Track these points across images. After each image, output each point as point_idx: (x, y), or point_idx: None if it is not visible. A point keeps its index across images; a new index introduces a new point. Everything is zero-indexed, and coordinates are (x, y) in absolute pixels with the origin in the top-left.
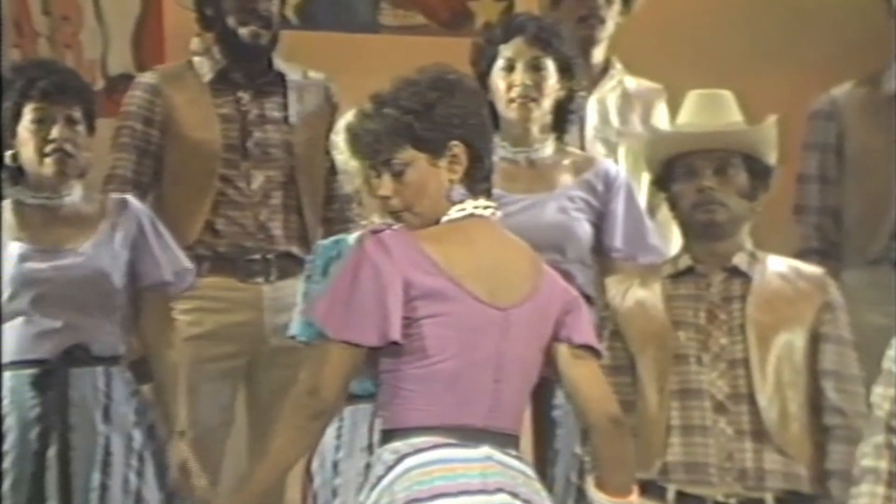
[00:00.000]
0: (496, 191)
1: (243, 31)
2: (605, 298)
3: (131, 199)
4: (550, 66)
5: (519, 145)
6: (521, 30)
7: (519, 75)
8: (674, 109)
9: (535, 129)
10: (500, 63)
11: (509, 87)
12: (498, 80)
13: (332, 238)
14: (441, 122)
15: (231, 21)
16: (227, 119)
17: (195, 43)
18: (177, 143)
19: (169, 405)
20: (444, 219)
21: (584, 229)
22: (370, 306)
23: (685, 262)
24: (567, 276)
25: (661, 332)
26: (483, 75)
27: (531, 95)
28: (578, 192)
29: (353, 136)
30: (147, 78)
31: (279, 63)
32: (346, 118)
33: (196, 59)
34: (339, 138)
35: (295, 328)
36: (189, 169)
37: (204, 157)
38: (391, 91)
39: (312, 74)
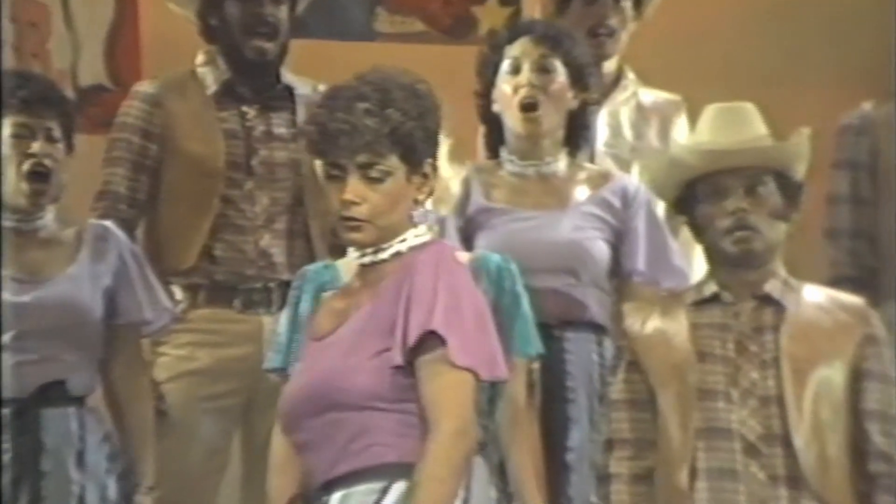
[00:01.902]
0: (502, 205)
1: (248, 47)
2: (622, 326)
3: (111, 227)
4: (560, 68)
5: (528, 158)
6: (528, 30)
7: (525, 76)
8: (690, 125)
9: (545, 141)
10: (505, 65)
11: (515, 90)
12: (503, 84)
13: (321, 263)
14: (431, 134)
15: (236, 32)
16: (231, 135)
17: (200, 57)
18: (176, 159)
19: (139, 459)
20: (404, 244)
21: (601, 249)
22: (495, 338)
23: (711, 288)
24: (579, 303)
25: (685, 364)
26: (489, 86)
27: (538, 98)
28: (594, 208)
29: (340, 129)
30: (146, 87)
31: (287, 76)
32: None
33: (200, 69)
34: None
35: (278, 360)
36: (188, 187)
37: (205, 175)
38: (381, 87)
39: (322, 88)
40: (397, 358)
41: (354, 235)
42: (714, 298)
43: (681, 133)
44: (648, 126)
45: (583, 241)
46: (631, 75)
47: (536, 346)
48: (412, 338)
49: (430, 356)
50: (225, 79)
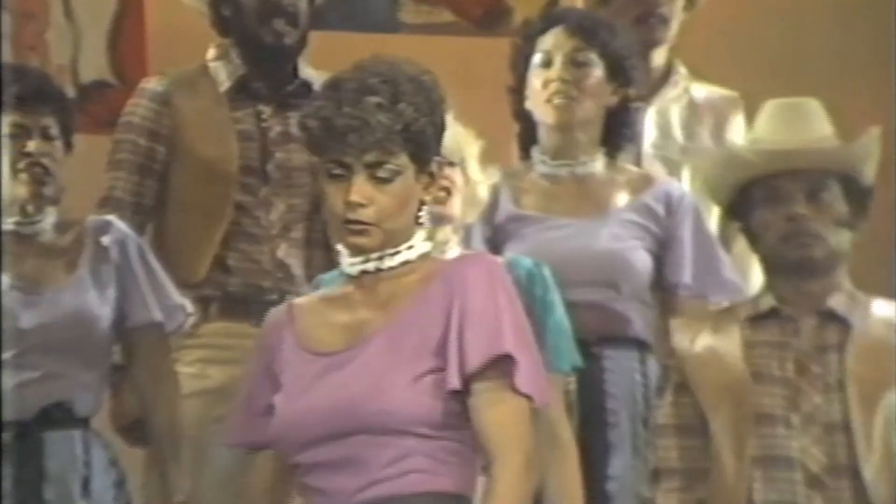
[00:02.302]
0: (533, 212)
1: (265, 30)
2: (670, 344)
3: (114, 220)
4: (595, 61)
5: (561, 157)
6: (561, 19)
7: (556, 70)
8: (748, 122)
9: (580, 138)
10: (536, 59)
11: (545, 85)
12: (534, 78)
13: (336, 272)
14: (439, 130)
15: (252, 20)
16: (245, 136)
17: (211, 52)
18: (186, 163)
19: (168, 472)
20: (412, 251)
21: (643, 261)
22: (541, 360)
23: (768, 302)
24: (619, 318)
25: (739, 386)
26: (521, 81)
27: (570, 94)
28: (635, 216)
29: (349, 125)
30: (153, 84)
31: (306, 70)
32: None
33: (212, 64)
34: None
35: None
36: (199, 193)
37: (217, 180)
38: (391, 79)
39: None
40: (454, 381)
41: (360, 240)
42: (771, 314)
43: (737, 133)
44: (701, 125)
45: (622, 251)
46: (682, 70)
47: (572, 359)
48: (475, 361)
49: (492, 381)
50: (239, 74)
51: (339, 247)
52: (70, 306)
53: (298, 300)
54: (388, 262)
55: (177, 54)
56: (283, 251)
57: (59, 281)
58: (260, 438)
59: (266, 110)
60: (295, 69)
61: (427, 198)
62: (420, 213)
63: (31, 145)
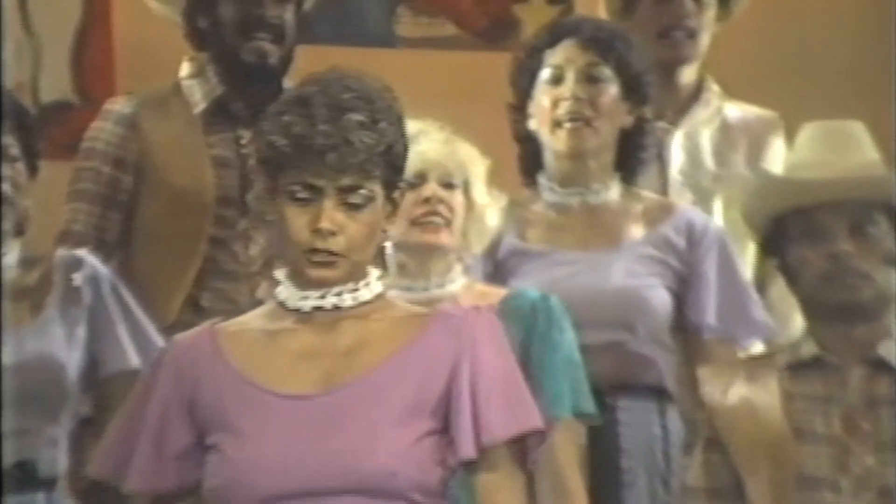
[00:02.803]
0: (539, 246)
1: (246, 48)
2: (697, 394)
3: (86, 256)
4: (611, 77)
5: (570, 185)
6: (572, 30)
7: (569, 87)
8: (788, 146)
9: (591, 162)
10: (544, 74)
11: (555, 104)
12: (541, 96)
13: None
14: (407, 154)
15: (231, 34)
16: (221, 163)
17: (185, 68)
18: (155, 193)
19: None
20: (368, 290)
21: (662, 299)
22: None
23: (810, 349)
24: (635, 364)
25: (779, 444)
26: (524, 98)
27: (584, 114)
28: (653, 249)
29: (327, 144)
30: (119, 105)
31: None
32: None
33: (186, 82)
34: None
35: None
36: (170, 227)
37: (190, 213)
38: (365, 96)
39: None
40: (468, 450)
41: (323, 272)
42: (814, 362)
43: (776, 158)
44: (735, 150)
45: (638, 290)
46: (714, 87)
47: (585, 405)
48: (499, 432)
49: (503, 455)
50: (216, 95)
51: (280, 276)
52: (34, 352)
53: (220, 326)
54: (348, 301)
55: (148, 71)
56: (263, 290)
57: (23, 324)
58: (170, 484)
59: (245, 135)
60: (279, 88)
61: (388, 228)
62: (385, 245)
63: None
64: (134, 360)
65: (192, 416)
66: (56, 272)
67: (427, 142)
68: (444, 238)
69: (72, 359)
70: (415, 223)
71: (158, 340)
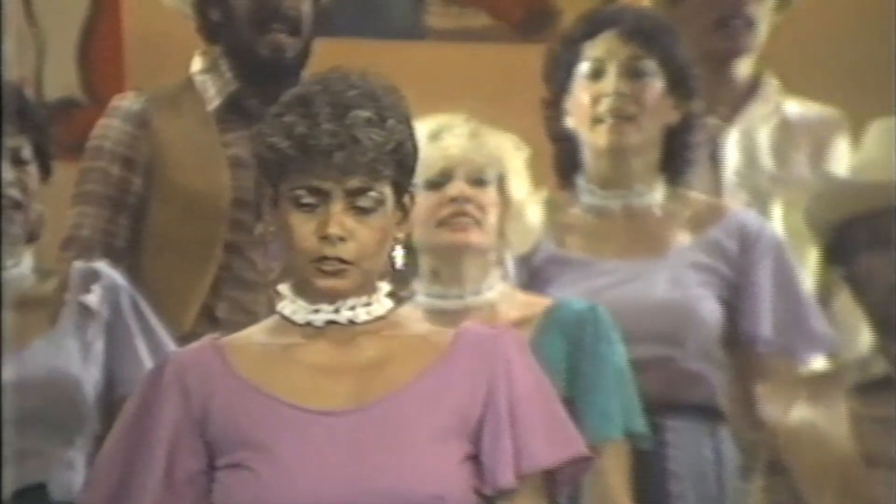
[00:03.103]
0: (578, 254)
1: (262, 41)
2: (754, 414)
3: (103, 268)
4: (656, 71)
5: (612, 187)
6: (613, 20)
7: (610, 82)
8: (853, 146)
9: (634, 162)
10: (583, 68)
11: (595, 101)
12: (580, 91)
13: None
14: (416, 154)
15: (245, 27)
16: (238, 163)
17: (197, 63)
18: (166, 196)
19: None
20: (381, 306)
21: (712, 311)
22: None
23: (880, 368)
24: (683, 381)
25: (847, 470)
26: (559, 94)
27: (627, 111)
28: (702, 255)
29: (333, 144)
30: (129, 102)
31: None
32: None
33: (199, 77)
34: None
35: None
36: (182, 232)
37: (204, 217)
38: (370, 93)
39: None
40: (507, 478)
41: (333, 282)
42: (885, 382)
43: (840, 160)
44: (796, 149)
45: (686, 301)
46: (773, 82)
47: (632, 424)
48: (543, 460)
49: (538, 481)
50: (231, 90)
51: (284, 290)
52: (48, 367)
53: (223, 341)
54: (362, 315)
55: (159, 67)
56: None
57: (37, 337)
58: None
59: None
60: (297, 84)
61: (400, 234)
62: (394, 255)
63: None
64: None
65: (204, 438)
66: (72, 284)
67: (451, 137)
68: (475, 236)
69: (88, 375)
70: (442, 224)
71: None
